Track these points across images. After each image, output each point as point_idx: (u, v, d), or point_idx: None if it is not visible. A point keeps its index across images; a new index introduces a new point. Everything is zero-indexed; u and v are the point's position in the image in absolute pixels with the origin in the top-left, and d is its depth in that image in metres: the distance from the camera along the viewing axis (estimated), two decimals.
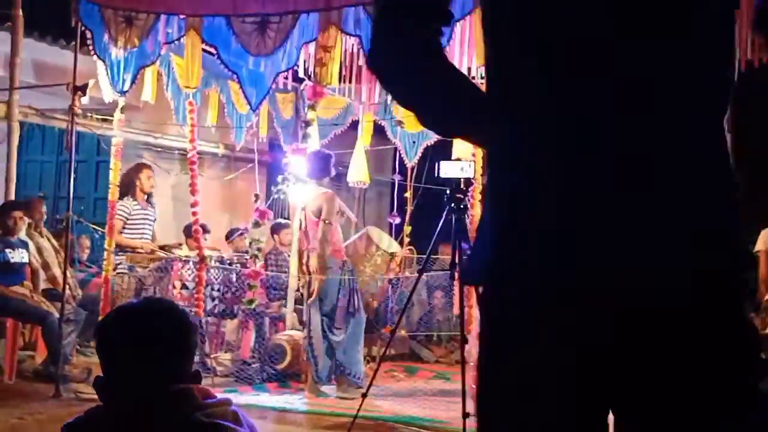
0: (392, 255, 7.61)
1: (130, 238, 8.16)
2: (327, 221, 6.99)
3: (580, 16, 1.42)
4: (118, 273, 7.94)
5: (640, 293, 1.35)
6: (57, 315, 7.13)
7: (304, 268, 7.19)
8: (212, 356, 7.96)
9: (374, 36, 1.59)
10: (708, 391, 1.36)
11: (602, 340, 1.37)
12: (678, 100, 1.42)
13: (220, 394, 2.19)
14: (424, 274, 6.87)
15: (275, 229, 9.11)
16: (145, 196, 8.58)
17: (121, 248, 8.12)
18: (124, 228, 8.21)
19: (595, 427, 1.42)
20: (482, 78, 6.53)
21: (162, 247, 8.56)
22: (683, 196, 1.38)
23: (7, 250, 7.41)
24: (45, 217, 8.13)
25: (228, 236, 9.81)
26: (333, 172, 7.25)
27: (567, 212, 1.38)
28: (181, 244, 9.44)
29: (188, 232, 8.89)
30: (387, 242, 7.91)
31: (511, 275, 1.43)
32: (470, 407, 5.34)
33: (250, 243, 8.07)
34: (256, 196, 7.96)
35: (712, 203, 1.41)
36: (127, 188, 8.34)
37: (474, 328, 6.15)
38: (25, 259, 7.59)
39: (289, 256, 9.55)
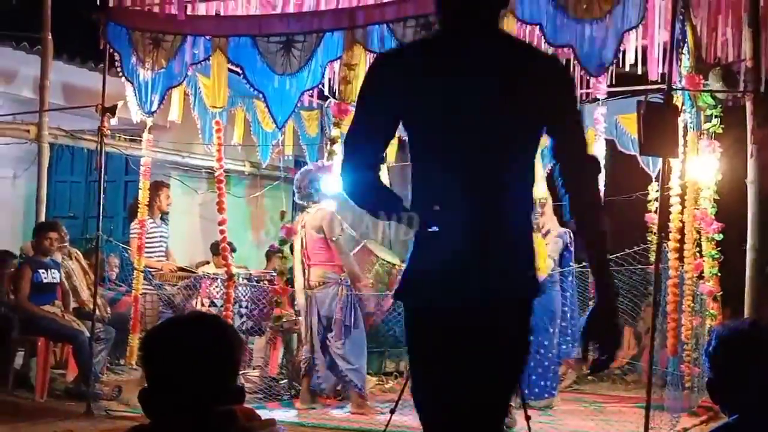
0: (393, 265, 7.60)
1: (147, 256, 8.21)
2: (333, 239, 7.18)
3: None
4: (145, 292, 8.00)
5: (482, 306, 2.47)
6: (87, 334, 7.22)
7: (306, 283, 7.26)
8: (241, 373, 8.00)
9: (342, 171, 2.65)
10: (506, 352, 2.51)
11: (462, 329, 2.46)
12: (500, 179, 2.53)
13: (262, 414, 2.18)
14: None
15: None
16: (160, 215, 8.65)
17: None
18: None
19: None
20: None
21: (181, 269, 8.58)
22: (504, 256, 2.50)
23: (41, 271, 7.53)
24: (67, 237, 8.20)
25: (267, 254, 9.85)
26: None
27: (445, 266, 2.47)
28: (208, 262, 9.51)
29: (215, 249, 8.96)
30: (387, 254, 7.94)
31: (419, 297, 2.55)
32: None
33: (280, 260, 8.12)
34: (283, 213, 8.00)
35: (521, 259, 2.55)
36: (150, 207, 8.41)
37: None
38: (57, 280, 7.71)
39: None
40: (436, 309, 2.48)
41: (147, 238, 8.17)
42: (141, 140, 8.00)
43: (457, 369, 2.47)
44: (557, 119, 2.56)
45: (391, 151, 9.41)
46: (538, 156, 7.30)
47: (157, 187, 8.60)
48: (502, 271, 2.48)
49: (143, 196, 7.88)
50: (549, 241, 7.51)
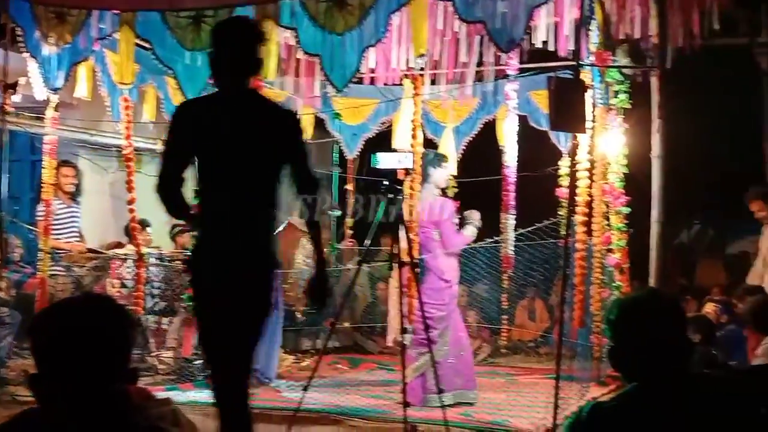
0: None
1: (56, 238, 7.99)
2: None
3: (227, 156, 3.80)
4: (54, 273, 7.79)
5: (240, 275, 3.72)
6: None
7: None
8: (154, 354, 7.89)
9: (157, 182, 3.86)
10: (252, 306, 3.76)
11: (225, 289, 3.70)
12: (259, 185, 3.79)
13: (160, 393, 2.14)
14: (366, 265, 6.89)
15: None
16: (70, 195, 8.38)
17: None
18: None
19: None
20: (420, 68, 6.57)
21: (90, 250, 8.38)
22: (254, 231, 3.76)
23: None
24: None
25: (171, 232, 9.74)
26: None
27: (215, 247, 3.75)
28: (121, 244, 9.31)
29: (128, 231, 8.78)
30: None
31: (200, 267, 3.80)
32: (411, 397, 5.39)
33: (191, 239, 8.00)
34: (195, 191, 7.87)
35: (264, 237, 3.81)
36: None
37: (414, 318, 6.19)
38: None
39: None
40: (211, 275, 3.75)
41: (55, 218, 7.94)
42: (46, 118, 7.75)
43: (219, 316, 3.74)
44: (292, 152, 3.90)
45: (308, 129, 9.43)
46: (451, 137, 7.38)
47: (57, 166, 8.33)
48: (252, 252, 3.78)
49: (48, 175, 7.64)
50: None
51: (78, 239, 8.41)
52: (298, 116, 4.19)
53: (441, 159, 6.71)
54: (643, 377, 2.40)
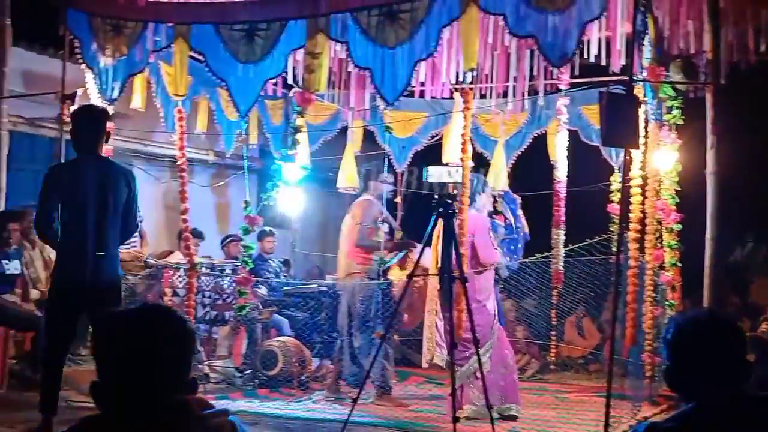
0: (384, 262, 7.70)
1: None
2: (359, 224, 7.56)
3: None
4: None
5: (94, 288, 5.30)
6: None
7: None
8: (204, 363, 7.97)
9: (36, 219, 5.53)
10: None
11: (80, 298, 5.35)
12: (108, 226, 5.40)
13: (216, 404, 2.16)
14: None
15: (259, 237, 9.12)
16: None
17: None
18: None
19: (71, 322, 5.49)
20: (471, 82, 6.57)
21: (146, 263, 8.49)
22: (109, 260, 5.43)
23: (3, 261, 7.43)
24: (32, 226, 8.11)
25: (222, 242, 9.85)
26: None
27: (73, 260, 5.35)
28: (171, 252, 9.43)
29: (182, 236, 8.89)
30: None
31: (59, 279, 5.50)
32: (460, 411, 5.36)
33: (242, 249, 8.08)
34: (246, 202, 7.96)
35: (112, 263, 5.48)
36: None
37: (463, 333, 6.17)
38: (19, 270, 7.61)
39: (272, 261, 9.66)
40: (65, 285, 5.40)
41: None
42: None
43: (69, 314, 5.43)
44: (127, 201, 5.49)
45: (357, 141, 9.48)
46: (502, 151, 7.32)
47: None
48: (101, 270, 5.36)
49: None
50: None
51: (135, 245, 8.53)
52: (134, 174, 5.75)
53: (486, 184, 6.80)
54: (700, 398, 2.36)
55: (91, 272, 5.29)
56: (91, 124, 5.48)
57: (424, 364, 6.98)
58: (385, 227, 7.65)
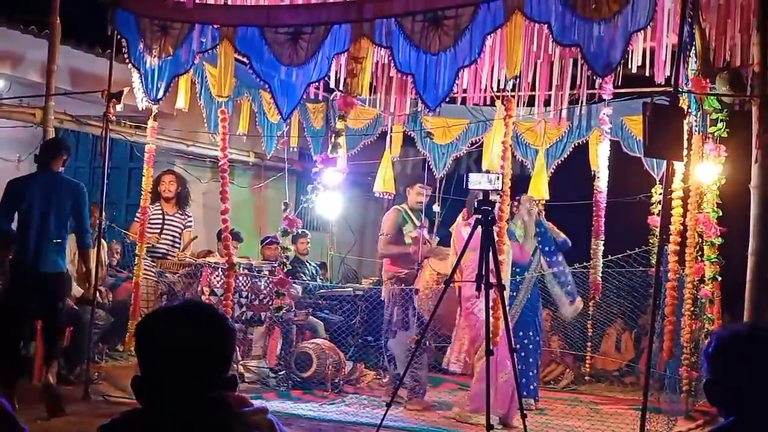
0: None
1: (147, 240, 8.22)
2: (381, 234, 7.75)
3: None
4: (146, 277, 8.00)
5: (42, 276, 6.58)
6: (88, 318, 7.24)
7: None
8: (239, 363, 8.02)
9: None
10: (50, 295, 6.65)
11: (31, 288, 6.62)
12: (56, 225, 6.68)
13: (255, 402, 2.18)
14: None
15: (293, 238, 9.16)
16: (174, 202, 8.67)
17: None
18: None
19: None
20: (513, 90, 6.56)
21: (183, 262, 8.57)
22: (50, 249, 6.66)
23: None
24: None
25: (262, 243, 9.90)
26: None
27: (24, 257, 6.62)
28: (210, 252, 9.51)
29: (221, 236, 8.97)
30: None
31: (14, 269, 6.71)
32: (494, 419, 5.35)
33: (280, 251, 8.13)
34: (286, 204, 8.00)
35: (54, 253, 6.68)
36: (153, 195, 8.44)
37: (500, 341, 6.16)
38: None
39: (309, 264, 9.70)
40: (22, 273, 6.57)
41: (150, 222, 8.22)
42: (146, 127, 7.99)
43: (26, 296, 6.54)
44: (76, 210, 6.66)
45: (396, 146, 9.50)
46: (543, 164, 7.37)
47: (160, 174, 8.65)
48: (46, 261, 6.55)
49: (146, 183, 7.87)
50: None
51: (172, 245, 8.60)
52: (82, 187, 6.80)
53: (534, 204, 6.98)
54: (739, 413, 2.34)
55: (33, 256, 6.53)
56: (47, 148, 6.98)
57: (444, 365, 7.19)
58: (421, 234, 7.67)
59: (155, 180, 8.46)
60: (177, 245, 8.67)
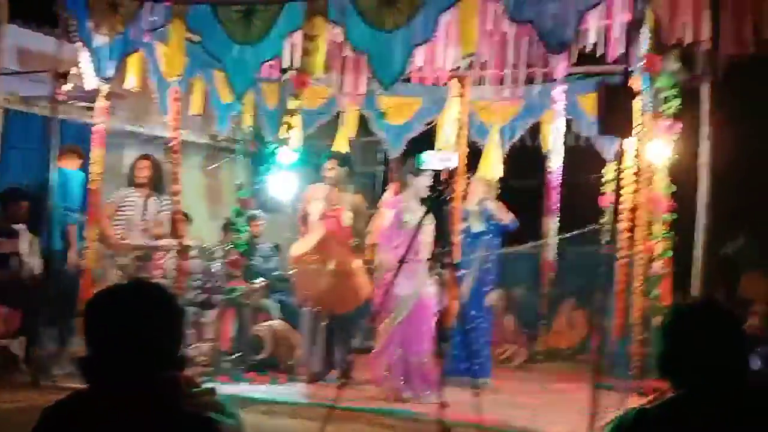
0: None
1: (115, 226, 8.04)
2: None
3: None
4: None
5: None
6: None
7: None
8: (193, 346, 7.95)
9: None
10: None
11: None
12: None
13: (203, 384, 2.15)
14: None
15: (246, 220, 9.10)
16: (147, 187, 8.31)
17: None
18: (115, 213, 8.05)
19: None
20: (468, 68, 6.55)
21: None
22: None
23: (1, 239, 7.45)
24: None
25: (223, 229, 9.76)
26: None
27: None
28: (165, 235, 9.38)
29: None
30: None
31: None
32: (448, 397, 5.36)
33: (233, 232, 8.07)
34: (239, 185, 7.93)
35: None
36: (129, 180, 8.18)
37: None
38: (17, 250, 7.60)
39: (263, 245, 9.62)
40: None
41: (118, 208, 7.99)
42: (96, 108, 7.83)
43: None
44: None
45: (351, 127, 9.45)
46: (496, 139, 7.41)
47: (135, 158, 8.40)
48: None
49: (97, 165, 7.70)
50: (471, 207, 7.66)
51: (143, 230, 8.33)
52: None
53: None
54: (691, 385, 2.36)
55: None
56: None
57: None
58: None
59: (131, 164, 8.24)
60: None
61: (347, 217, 7.53)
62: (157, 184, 8.35)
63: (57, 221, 7.88)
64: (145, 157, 8.61)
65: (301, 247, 7.46)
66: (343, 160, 7.91)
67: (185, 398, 2.04)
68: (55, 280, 7.77)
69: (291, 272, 7.63)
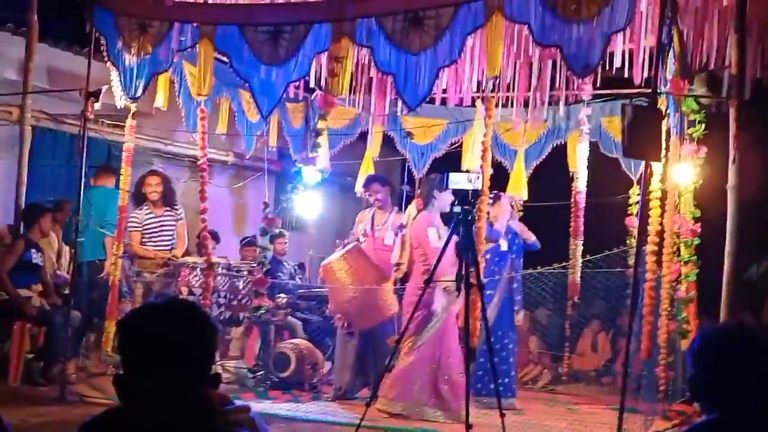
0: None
1: (148, 247, 8.18)
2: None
3: None
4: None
5: None
6: (61, 318, 7.18)
7: None
8: (218, 363, 7.99)
9: None
10: None
11: None
12: None
13: (236, 401, 2.17)
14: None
15: (270, 239, 9.13)
16: (161, 203, 8.46)
17: (138, 256, 8.19)
18: (142, 237, 8.24)
19: None
20: (492, 90, 6.57)
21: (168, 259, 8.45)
22: None
23: (33, 251, 7.51)
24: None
25: (241, 244, 9.83)
26: None
27: None
28: (189, 252, 9.46)
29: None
30: None
31: None
32: (473, 419, 5.36)
33: (259, 251, 8.11)
34: (265, 203, 7.98)
35: None
36: (138, 197, 8.34)
37: (478, 341, 6.17)
38: (41, 262, 7.67)
39: (287, 264, 9.66)
40: None
41: (144, 229, 8.15)
42: (124, 126, 7.93)
43: None
44: None
45: (376, 147, 9.49)
46: (521, 161, 7.42)
47: (143, 175, 8.53)
48: None
49: (124, 182, 7.80)
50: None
51: (168, 247, 8.46)
52: None
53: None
54: (722, 409, 2.36)
55: None
56: None
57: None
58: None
59: (138, 181, 8.37)
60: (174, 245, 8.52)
61: (389, 237, 7.65)
62: (167, 197, 8.49)
63: (93, 235, 8.00)
64: (154, 173, 8.72)
65: (330, 257, 7.56)
66: (386, 181, 8.05)
67: (219, 415, 2.07)
68: (87, 288, 7.91)
69: (321, 283, 7.70)
